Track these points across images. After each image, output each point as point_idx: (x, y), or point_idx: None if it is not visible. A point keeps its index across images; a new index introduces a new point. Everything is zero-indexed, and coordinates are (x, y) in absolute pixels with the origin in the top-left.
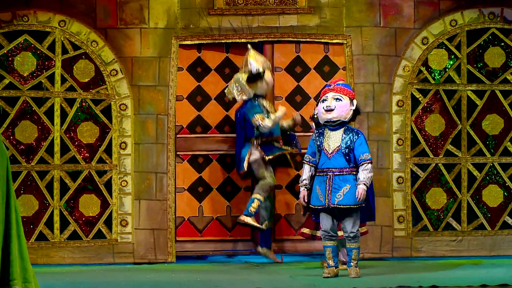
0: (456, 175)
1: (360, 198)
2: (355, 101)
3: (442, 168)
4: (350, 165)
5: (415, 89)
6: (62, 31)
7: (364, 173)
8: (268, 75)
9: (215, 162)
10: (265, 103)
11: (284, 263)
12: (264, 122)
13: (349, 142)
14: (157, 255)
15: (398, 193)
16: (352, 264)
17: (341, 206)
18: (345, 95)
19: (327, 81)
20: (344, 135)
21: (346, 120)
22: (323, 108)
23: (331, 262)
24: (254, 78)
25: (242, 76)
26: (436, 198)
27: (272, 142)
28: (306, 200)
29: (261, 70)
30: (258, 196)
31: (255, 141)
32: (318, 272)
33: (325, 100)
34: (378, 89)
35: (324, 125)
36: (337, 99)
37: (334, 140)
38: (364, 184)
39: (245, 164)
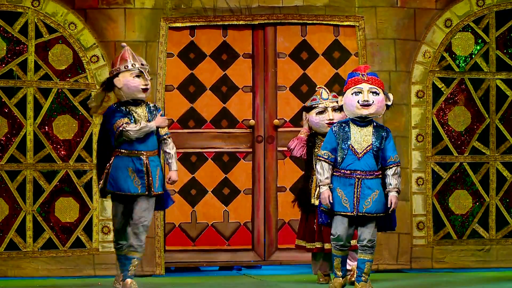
0: (483, 175)
1: (393, 208)
2: (391, 95)
3: (468, 167)
4: (378, 167)
5: (437, 78)
6: (36, 11)
7: (395, 178)
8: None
9: (210, 161)
10: (140, 110)
11: (289, 276)
12: (129, 126)
13: (380, 141)
14: (143, 266)
15: (417, 196)
16: (362, 278)
17: (370, 215)
18: (380, 87)
19: (337, 69)
20: (374, 132)
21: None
22: (358, 102)
23: (338, 273)
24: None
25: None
26: (461, 202)
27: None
28: (331, 201)
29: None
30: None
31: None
32: (325, 286)
33: (359, 92)
34: (395, 78)
35: (350, 119)
36: (374, 92)
37: (363, 138)
38: (397, 191)
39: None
